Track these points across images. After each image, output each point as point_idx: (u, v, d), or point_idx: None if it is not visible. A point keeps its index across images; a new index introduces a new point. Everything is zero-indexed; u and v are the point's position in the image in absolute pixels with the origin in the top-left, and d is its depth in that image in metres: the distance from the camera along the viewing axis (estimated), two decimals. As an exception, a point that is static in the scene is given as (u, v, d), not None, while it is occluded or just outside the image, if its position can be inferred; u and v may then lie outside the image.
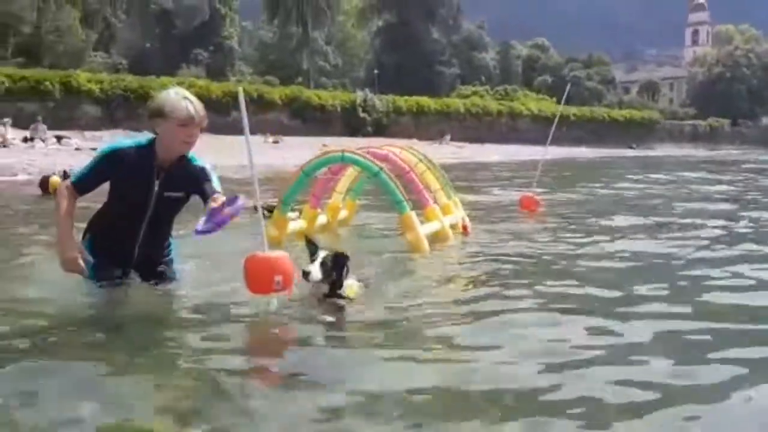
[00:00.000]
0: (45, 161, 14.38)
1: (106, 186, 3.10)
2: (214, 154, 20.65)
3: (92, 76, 30.35)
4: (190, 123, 2.98)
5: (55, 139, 20.23)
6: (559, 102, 57.61)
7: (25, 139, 19.43)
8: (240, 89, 2.86)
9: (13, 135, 19.09)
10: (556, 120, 9.39)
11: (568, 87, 10.64)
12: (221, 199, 2.83)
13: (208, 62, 48.25)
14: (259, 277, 2.66)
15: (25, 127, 20.38)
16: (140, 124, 28.25)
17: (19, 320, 2.74)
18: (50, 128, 21.19)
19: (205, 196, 2.92)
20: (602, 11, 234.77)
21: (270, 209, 4.86)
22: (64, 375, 2.14)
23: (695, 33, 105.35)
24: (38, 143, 19.38)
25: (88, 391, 1.98)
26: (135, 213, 3.11)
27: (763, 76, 76.83)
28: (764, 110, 79.73)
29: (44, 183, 8.42)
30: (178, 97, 3.01)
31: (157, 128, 3.05)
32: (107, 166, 3.05)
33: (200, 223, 2.75)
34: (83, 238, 3.21)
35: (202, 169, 3.08)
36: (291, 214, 5.06)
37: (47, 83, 27.22)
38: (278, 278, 2.62)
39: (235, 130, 26.20)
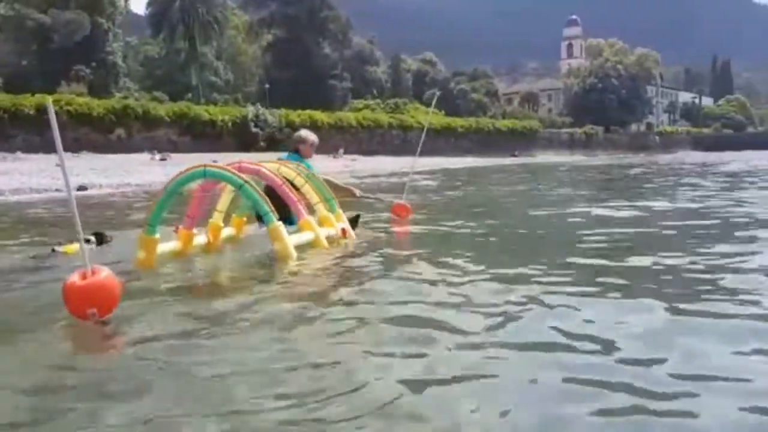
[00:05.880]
0: None
1: None
2: (96, 174, 19.99)
3: (-41, 95, 28.63)
4: (314, 145, 6.21)
5: None
6: (447, 114, 60.23)
7: None
8: (49, 101, 2.69)
9: None
10: (425, 131, 9.73)
11: (436, 95, 11.10)
12: None
13: (91, 78, 46.39)
14: (73, 307, 2.63)
15: None
16: (12, 145, 27.02)
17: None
18: None
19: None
20: (486, 27, 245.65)
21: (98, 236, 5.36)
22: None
23: (570, 47, 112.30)
24: None
25: None
26: None
27: (631, 87, 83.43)
28: (633, 118, 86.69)
29: None
30: (308, 132, 6.32)
31: (301, 146, 6.12)
32: None
33: None
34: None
35: None
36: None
37: None
38: (92, 311, 2.59)
39: (120, 148, 25.58)
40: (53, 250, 5.09)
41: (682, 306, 3.03)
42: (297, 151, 6.12)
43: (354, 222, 5.53)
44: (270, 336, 2.69)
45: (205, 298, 3.60)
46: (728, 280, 3.60)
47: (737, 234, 5.67)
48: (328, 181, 5.89)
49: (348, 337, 2.69)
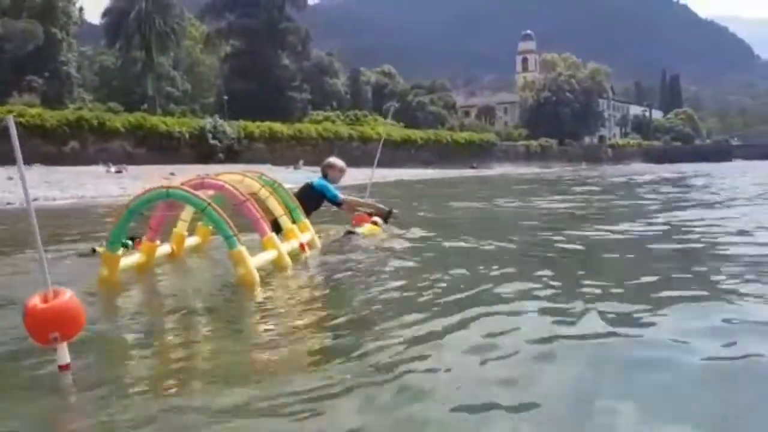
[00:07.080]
0: None
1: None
2: (50, 188, 19.59)
3: None
4: (343, 170, 6.71)
5: None
6: (406, 126, 60.82)
7: None
8: (10, 117, 2.62)
9: None
10: (382, 142, 10.07)
11: (392, 108, 11.31)
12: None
13: (44, 89, 45.47)
14: (34, 332, 2.47)
15: None
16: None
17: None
18: None
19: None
20: (443, 40, 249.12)
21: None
22: None
23: (525, 60, 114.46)
24: None
25: None
26: None
27: (583, 100, 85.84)
28: (586, 131, 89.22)
29: None
30: (337, 159, 6.78)
31: (329, 171, 6.58)
32: None
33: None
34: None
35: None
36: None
37: None
38: (54, 335, 2.43)
39: (74, 160, 25.02)
40: (94, 251, 5.14)
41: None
42: (326, 175, 6.63)
43: (387, 217, 6.56)
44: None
45: (169, 326, 3.47)
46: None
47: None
48: (364, 203, 6.78)
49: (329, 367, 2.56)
